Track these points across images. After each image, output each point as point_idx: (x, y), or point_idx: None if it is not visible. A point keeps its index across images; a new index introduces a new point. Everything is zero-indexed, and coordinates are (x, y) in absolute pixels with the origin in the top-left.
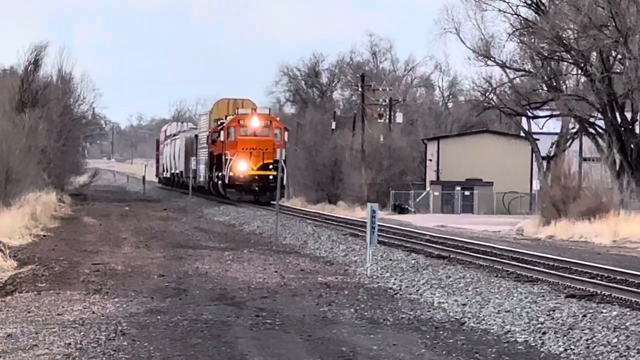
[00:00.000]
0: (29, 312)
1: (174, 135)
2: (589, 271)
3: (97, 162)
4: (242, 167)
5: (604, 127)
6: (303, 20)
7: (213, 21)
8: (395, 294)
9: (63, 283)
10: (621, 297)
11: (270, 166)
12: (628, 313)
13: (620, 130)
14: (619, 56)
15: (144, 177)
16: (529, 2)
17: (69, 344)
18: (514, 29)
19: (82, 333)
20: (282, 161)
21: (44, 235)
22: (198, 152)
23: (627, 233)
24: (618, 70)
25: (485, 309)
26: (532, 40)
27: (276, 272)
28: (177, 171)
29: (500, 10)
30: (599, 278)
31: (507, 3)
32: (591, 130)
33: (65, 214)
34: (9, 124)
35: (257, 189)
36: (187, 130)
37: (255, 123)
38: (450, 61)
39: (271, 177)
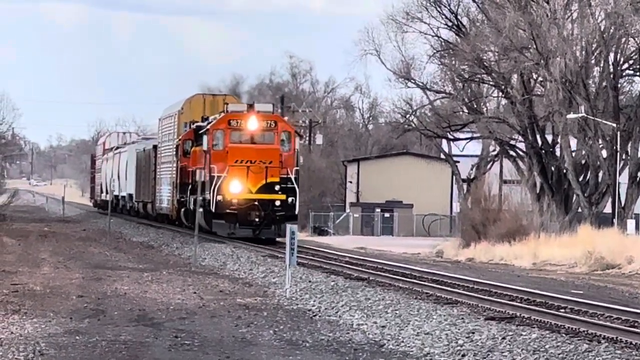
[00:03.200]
0: None
1: (118, 148)
2: (509, 293)
3: (16, 182)
4: (235, 188)
5: (524, 149)
6: (223, 41)
7: (134, 42)
8: (315, 315)
9: None
10: (541, 320)
11: (277, 187)
12: (548, 335)
13: (541, 153)
14: (540, 79)
15: (63, 198)
16: (450, 24)
17: None
18: (435, 51)
19: (1, 353)
20: (294, 179)
21: None
22: (158, 168)
23: (547, 255)
24: (539, 93)
25: (404, 331)
26: (453, 62)
27: (195, 293)
28: (124, 194)
29: (421, 32)
30: (518, 300)
31: (428, 25)
32: (512, 152)
33: None
34: None
35: (257, 219)
36: (138, 142)
37: (253, 124)
38: (371, 83)
39: (278, 202)
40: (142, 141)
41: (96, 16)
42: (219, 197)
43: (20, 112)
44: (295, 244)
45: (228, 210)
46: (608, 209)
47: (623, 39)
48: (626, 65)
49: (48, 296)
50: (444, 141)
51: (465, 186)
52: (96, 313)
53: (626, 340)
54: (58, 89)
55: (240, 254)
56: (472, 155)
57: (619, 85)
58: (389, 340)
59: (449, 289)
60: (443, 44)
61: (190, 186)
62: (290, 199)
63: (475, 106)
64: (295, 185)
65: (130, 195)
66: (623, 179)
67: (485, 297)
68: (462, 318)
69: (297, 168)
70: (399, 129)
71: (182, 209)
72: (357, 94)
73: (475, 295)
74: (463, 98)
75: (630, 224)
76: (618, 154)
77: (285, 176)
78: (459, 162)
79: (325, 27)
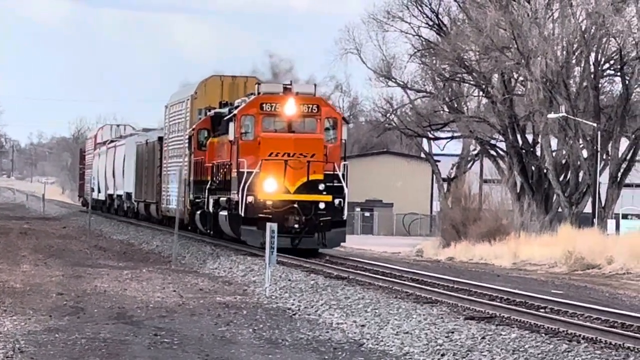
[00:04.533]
0: None
1: (112, 141)
2: (489, 293)
3: None
4: (270, 186)
5: (504, 149)
6: (208, 40)
7: (118, 39)
8: (294, 314)
9: None
10: (520, 320)
11: (321, 185)
12: (527, 335)
13: (521, 153)
14: (521, 78)
15: (43, 196)
16: (431, 23)
17: None
18: (416, 50)
19: None
20: (342, 176)
21: None
22: (165, 163)
23: (527, 255)
24: (519, 93)
25: (384, 330)
26: (434, 61)
27: (174, 291)
28: (120, 192)
29: (402, 31)
30: (498, 300)
31: (409, 24)
32: (492, 152)
33: None
34: None
35: (297, 226)
36: (138, 134)
37: (292, 109)
38: (351, 82)
39: (322, 205)
40: (143, 133)
41: (79, 13)
42: (250, 198)
43: (1, 109)
44: (275, 242)
45: (261, 215)
46: (588, 209)
47: (604, 39)
48: (607, 65)
49: (28, 294)
50: (425, 140)
51: (445, 185)
52: (76, 311)
53: (605, 341)
54: (39, 86)
55: (220, 253)
56: (452, 155)
57: (600, 85)
58: (368, 339)
59: (428, 288)
60: (424, 43)
61: (208, 184)
62: (337, 201)
63: (455, 105)
64: (344, 184)
65: (129, 195)
66: (603, 179)
67: (465, 297)
68: (442, 317)
69: (346, 163)
70: (379, 128)
71: (198, 212)
72: (337, 93)
73: (455, 294)
74: (444, 97)
75: (611, 224)
76: (598, 153)
77: (331, 172)
78: (439, 161)
79: (309, 26)
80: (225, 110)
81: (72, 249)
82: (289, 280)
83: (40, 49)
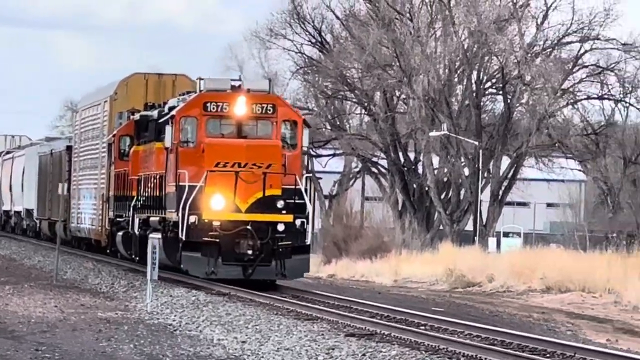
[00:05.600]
0: None
1: (8, 152)
2: (369, 310)
3: None
4: (217, 204)
5: (386, 166)
6: (90, 56)
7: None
8: (175, 330)
9: None
10: (401, 337)
11: (280, 202)
12: (407, 352)
13: (403, 170)
14: (403, 96)
15: None
16: (314, 40)
17: None
18: (298, 67)
19: None
20: (304, 191)
21: None
22: (75, 176)
23: (408, 273)
24: (402, 110)
25: (264, 347)
26: (316, 78)
27: (56, 306)
28: (18, 208)
29: (284, 49)
30: (379, 317)
31: (292, 41)
32: (374, 169)
33: None
34: None
35: (250, 252)
36: (40, 144)
37: (242, 109)
38: None
39: (282, 226)
40: (46, 143)
41: None
42: (193, 218)
43: None
44: (157, 258)
45: (206, 238)
46: (470, 227)
47: (486, 58)
48: (489, 83)
49: None
50: (306, 157)
51: (327, 202)
52: None
53: (486, 358)
54: None
55: (101, 268)
56: (334, 172)
57: (482, 104)
58: (249, 355)
59: (309, 305)
60: (306, 60)
61: (133, 200)
62: (299, 221)
63: (338, 123)
64: (307, 200)
65: (29, 212)
66: (485, 197)
67: (346, 314)
68: (323, 334)
69: (309, 175)
70: None
71: (120, 233)
72: None
73: (336, 311)
74: (326, 115)
75: (492, 242)
76: (480, 172)
77: (292, 187)
78: (321, 178)
79: (194, 43)
80: (153, 112)
81: None
82: (171, 295)
83: None
